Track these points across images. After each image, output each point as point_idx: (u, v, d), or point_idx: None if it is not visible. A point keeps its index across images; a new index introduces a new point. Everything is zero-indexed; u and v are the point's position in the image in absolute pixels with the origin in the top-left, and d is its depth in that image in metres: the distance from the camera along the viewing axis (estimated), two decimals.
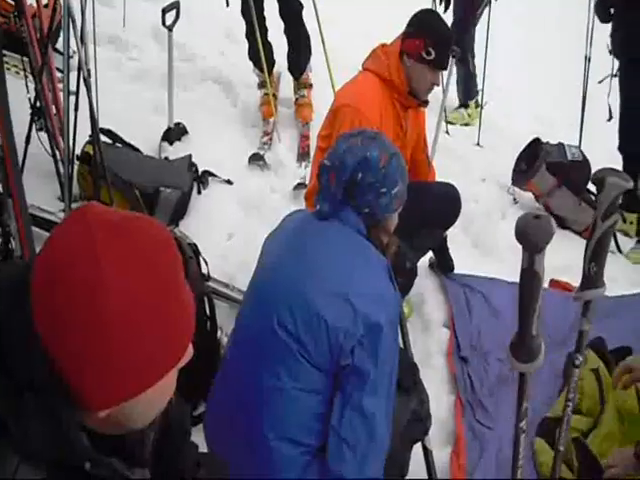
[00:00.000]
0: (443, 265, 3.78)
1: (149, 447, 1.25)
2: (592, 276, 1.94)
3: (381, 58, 3.26)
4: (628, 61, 4.60)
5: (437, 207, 3.42)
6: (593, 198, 4.75)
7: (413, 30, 3.21)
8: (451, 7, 5.69)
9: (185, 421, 1.60)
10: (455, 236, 3.91)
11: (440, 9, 5.48)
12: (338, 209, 2.12)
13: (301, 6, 4.89)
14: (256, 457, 2.02)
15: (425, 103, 3.39)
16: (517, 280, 3.89)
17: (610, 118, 4.98)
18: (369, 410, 1.94)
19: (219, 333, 2.94)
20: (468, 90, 6.15)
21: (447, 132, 5.59)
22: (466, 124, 5.57)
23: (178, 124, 4.60)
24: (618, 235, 4.79)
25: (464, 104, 6.18)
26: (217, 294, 3.18)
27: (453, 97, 6.30)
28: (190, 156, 4.16)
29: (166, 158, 4.26)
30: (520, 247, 3.97)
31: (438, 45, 3.15)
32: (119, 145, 4.12)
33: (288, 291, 2.04)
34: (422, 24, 3.22)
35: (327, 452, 1.95)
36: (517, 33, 9.73)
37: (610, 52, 4.75)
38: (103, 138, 3.81)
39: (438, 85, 3.35)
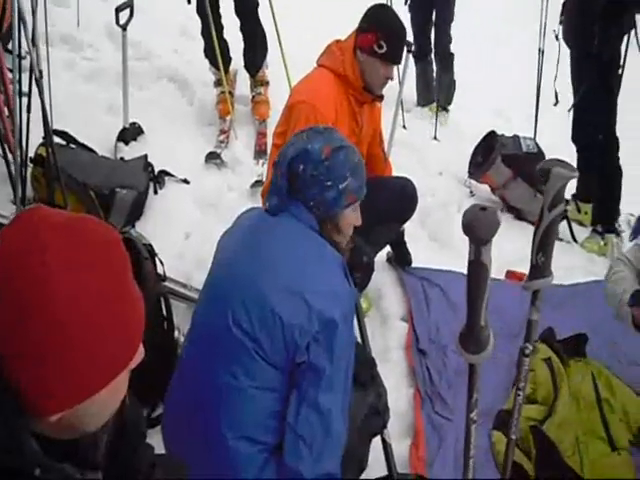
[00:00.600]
0: (401, 259, 3.80)
1: (102, 449, 1.25)
2: (540, 266, 1.98)
3: (336, 54, 3.26)
4: (579, 52, 4.65)
5: (394, 202, 3.43)
6: None
7: (365, 25, 3.22)
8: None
9: (140, 422, 1.60)
10: (412, 230, 3.94)
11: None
12: (287, 203, 2.13)
13: (257, 3, 4.87)
14: (214, 456, 2.02)
15: (380, 98, 3.40)
16: None
17: (556, 103, 5.04)
18: (325, 406, 1.95)
19: (176, 333, 2.93)
20: (452, 95, 6.28)
21: (404, 127, 5.63)
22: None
23: (134, 124, 4.55)
24: (573, 225, 4.87)
25: (445, 108, 6.26)
26: (174, 294, 3.17)
27: (412, 94, 6.36)
28: (146, 156, 4.13)
29: (122, 158, 4.22)
30: None
31: (389, 39, 3.15)
32: (73, 146, 4.07)
33: (243, 288, 2.04)
34: (374, 18, 3.23)
35: (284, 449, 1.95)
36: (474, 27, 9.82)
37: (556, 38, 4.81)
38: (57, 140, 3.76)
39: (391, 79, 3.34)
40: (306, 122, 3.05)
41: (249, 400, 1.98)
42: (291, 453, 1.95)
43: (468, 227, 1.72)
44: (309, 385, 1.96)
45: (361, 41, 3.20)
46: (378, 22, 3.21)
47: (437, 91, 6.14)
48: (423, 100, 6.39)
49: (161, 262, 3.02)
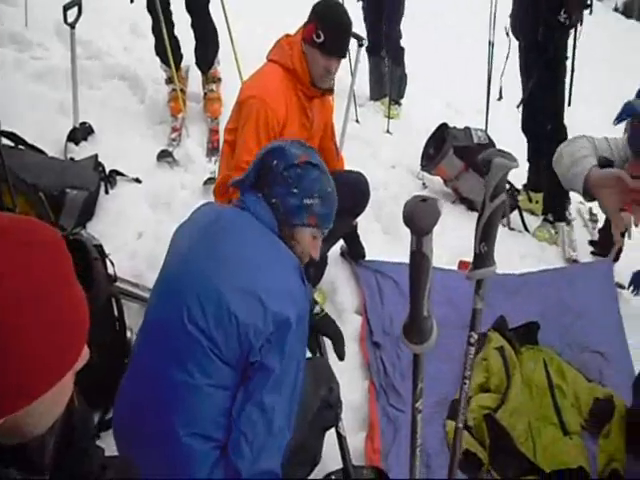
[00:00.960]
0: (354, 253, 3.82)
1: (49, 452, 1.24)
2: (483, 255, 1.99)
3: (285, 48, 3.26)
4: (527, 44, 4.70)
5: (346, 196, 3.39)
6: None
7: (310, 17, 3.23)
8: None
9: (89, 424, 1.59)
10: (366, 223, 3.95)
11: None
12: (250, 194, 2.16)
13: None
14: (167, 454, 2.00)
15: (329, 91, 3.40)
16: None
17: (500, 98, 5.10)
18: (269, 405, 1.95)
19: (129, 334, 2.90)
20: (404, 89, 6.32)
21: (357, 120, 5.65)
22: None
23: (84, 123, 4.50)
24: (525, 214, 4.94)
25: (397, 102, 6.29)
26: (126, 294, 3.14)
27: (365, 89, 6.39)
28: (96, 156, 4.08)
29: (72, 159, 4.17)
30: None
31: (327, 29, 3.14)
32: (22, 147, 4.01)
33: (199, 284, 2.03)
34: (316, 10, 3.23)
35: (228, 445, 1.96)
36: (426, 20, 9.89)
37: (507, 34, 4.86)
38: (5, 141, 3.70)
39: (332, 72, 3.25)
40: (257, 117, 3.06)
41: (205, 398, 1.97)
42: (234, 449, 1.95)
43: (409, 218, 1.73)
44: (257, 384, 1.96)
45: (304, 32, 3.21)
46: (319, 13, 3.22)
47: (389, 85, 6.17)
48: (376, 94, 6.44)
49: (112, 263, 2.99)
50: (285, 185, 2.13)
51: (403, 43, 6.12)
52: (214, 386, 1.97)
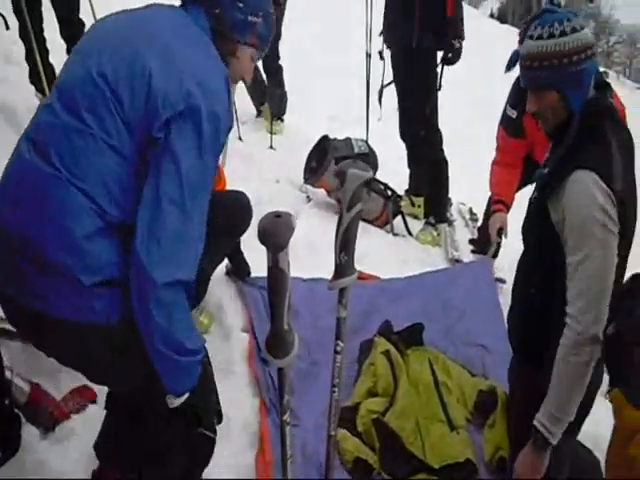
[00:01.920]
0: (239, 270, 3.81)
1: None
2: (344, 264, 2.04)
3: None
4: (399, 50, 4.81)
5: (229, 216, 3.43)
6: (382, 187, 4.99)
7: None
8: None
9: None
10: (250, 240, 3.92)
11: None
12: (192, 5, 2.10)
13: (83, 25, 4.76)
14: (52, 205, 1.85)
15: None
16: (313, 276, 4.01)
17: (380, 118, 5.23)
18: (187, 206, 1.86)
19: (8, 374, 2.80)
20: (284, 106, 6.36)
21: (240, 138, 5.67)
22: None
23: None
24: (408, 219, 5.06)
25: (279, 118, 6.33)
26: (3, 333, 3.04)
27: (247, 107, 6.42)
28: None
29: None
30: (316, 244, 4.12)
31: None
32: None
33: (117, 46, 1.96)
34: None
35: (134, 247, 1.81)
36: (306, 31, 10.03)
37: (381, 57, 4.99)
38: None
39: None
40: None
41: (97, 151, 1.86)
42: (142, 251, 1.81)
43: (263, 235, 1.76)
44: (168, 175, 1.84)
45: None
46: None
47: (269, 103, 6.22)
48: (258, 112, 6.49)
49: None
50: None
51: (284, 56, 6.17)
52: (108, 144, 1.87)
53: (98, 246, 1.86)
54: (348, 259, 2.04)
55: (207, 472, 2.37)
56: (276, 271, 1.78)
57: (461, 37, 4.63)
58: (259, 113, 6.53)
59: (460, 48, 4.65)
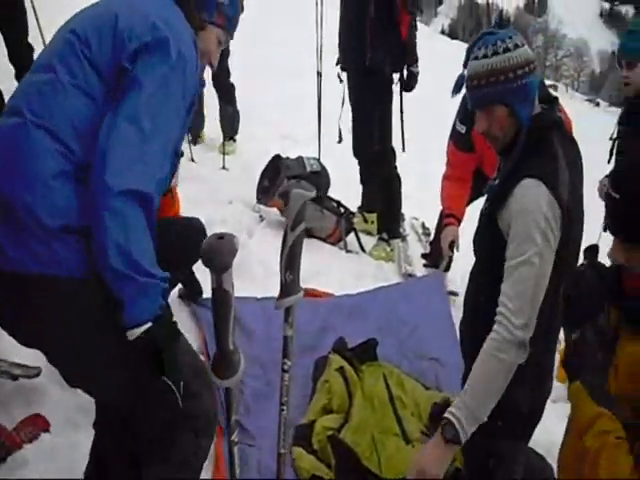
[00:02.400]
0: (192, 292, 3.81)
1: None
2: (289, 283, 2.07)
3: None
4: (353, 71, 4.89)
5: (182, 241, 3.42)
6: (334, 204, 5.03)
7: None
8: None
9: None
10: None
11: None
12: None
13: (32, 50, 4.78)
14: (17, 150, 1.85)
15: None
16: (267, 295, 4.00)
17: (340, 141, 5.27)
18: (144, 122, 1.84)
19: None
20: (237, 125, 6.38)
21: (192, 159, 5.67)
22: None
23: None
24: (361, 235, 5.10)
25: (232, 138, 6.34)
26: None
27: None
28: None
29: None
30: (270, 263, 4.12)
31: None
32: None
33: (87, 13, 2.05)
34: None
35: (94, 162, 1.80)
36: (257, 52, 10.08)
37: (340, 80, 5.03)
38: None
39: None
40: None
41: (63, 93, 1.88)
42: (99, 162, 1.78)
43: (207, 257, 1.77)
44: (129, 99, 1.85)
45: None
46: None
47: (221, 123, 6.24)
48: (194, 140, 6.44)
49: None
50: None
51: (234, 76, 6.20)
52: (77, 87, 1.89)
53: (64, 188, 1.82)
54: (294, 278, 2.07)
55: None
56: (220, 292, 1.79)
57: (416, 60, 4.74)
58: (195, 142, 6.34)
59: (417, 74, 4.75)
